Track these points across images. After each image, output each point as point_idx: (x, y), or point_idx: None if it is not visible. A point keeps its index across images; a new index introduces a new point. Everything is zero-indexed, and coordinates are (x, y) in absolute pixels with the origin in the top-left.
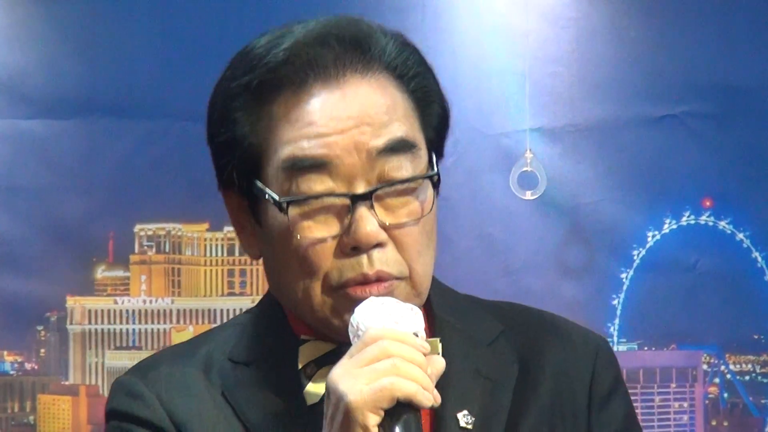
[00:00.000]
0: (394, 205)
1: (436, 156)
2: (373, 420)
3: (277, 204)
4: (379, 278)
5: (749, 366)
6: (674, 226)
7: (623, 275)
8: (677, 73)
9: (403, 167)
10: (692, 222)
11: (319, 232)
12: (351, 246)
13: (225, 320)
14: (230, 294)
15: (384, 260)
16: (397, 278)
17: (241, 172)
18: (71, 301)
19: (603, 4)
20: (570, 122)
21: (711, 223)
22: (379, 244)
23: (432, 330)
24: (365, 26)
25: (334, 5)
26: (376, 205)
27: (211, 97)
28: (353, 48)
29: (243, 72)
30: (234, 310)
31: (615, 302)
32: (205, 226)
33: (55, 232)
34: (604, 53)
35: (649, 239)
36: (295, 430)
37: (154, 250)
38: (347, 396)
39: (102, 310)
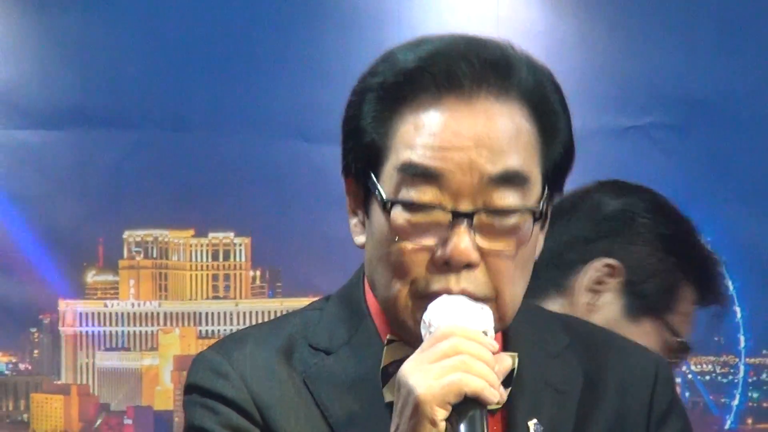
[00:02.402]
0: (493, 231)
1: (551, 192)
2: (441, 414)
3: (383, 202)
4: (465, 295)
5: (710, 366)
6: None
7: None
8: (642, 86)
9: (510, 197)
10: None
11: (416, 239)
12: (443, 260)
13: (210, 323)
14: (215, 297)
15: (471, 280)
16: (481, 299)
17: (360, 163)
18: (63, 305)
19: (570, 19)
20: None
21: None
22: (470, 265)
23: (505, 338)
24: (511, 52)
25: (315, 24)
26: (476, 227)
27: (353, 89)
28: (493, 69)
29: (382, 70)
30: (218, 313)
31: None
32: (191, 232)
33: (47, 237)
34: (572, 66)
35: None
36: (373, 427)
37: (142, 255)
38: (417, 389)
39: (92, 313)
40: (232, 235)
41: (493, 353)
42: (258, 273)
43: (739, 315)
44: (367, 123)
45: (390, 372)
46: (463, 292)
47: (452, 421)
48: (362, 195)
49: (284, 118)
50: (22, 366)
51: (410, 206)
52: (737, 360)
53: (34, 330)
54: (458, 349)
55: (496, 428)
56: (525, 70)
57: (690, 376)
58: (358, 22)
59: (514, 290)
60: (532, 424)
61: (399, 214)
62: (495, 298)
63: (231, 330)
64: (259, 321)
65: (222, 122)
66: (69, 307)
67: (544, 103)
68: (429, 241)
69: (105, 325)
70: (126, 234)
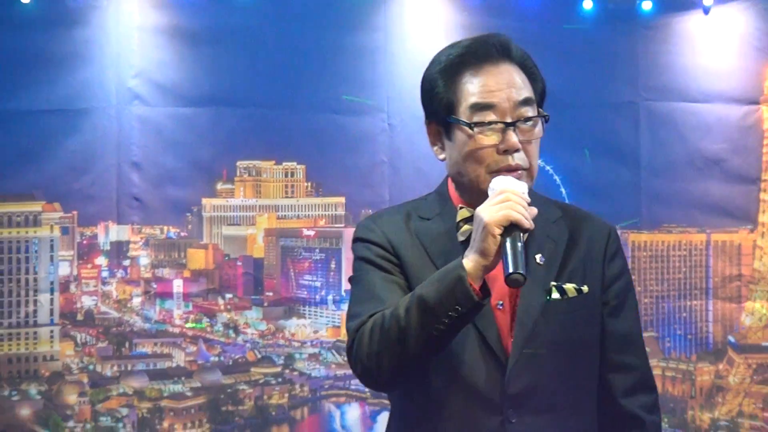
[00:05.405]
0: (525, 130)
1: (541, 106)
2: (497, 231)
3: (469, 125)
4: (517, 168)
5: None
6: None
7: None
8: None
9: (529, 111)
10: None
11: (487, 141)
12: (503, 150)
13: (284, 211)
14: (286, 197)
15: (520, 158)
16: (524, 169)
17: (442, 111)
18: (204, 201)
19: None
20: None
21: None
22: (517, 150)
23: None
24: (507, 39)
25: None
26: (518, 129)
27: (426, 73)
28: (503, 48)
29: (444, 59)
30: (288, 205)
31: None
32: (273, 162)
33: (196, 166)
34: None
35: None
36: (452, 254)
37: (246, 174)
38: (485, 218)
39: (220, 205)
40: (295, 163)
41: (528, 204)
42: (310, 184)
43: None
44: (441, 89)
45: (461, 225)
46: (517, 166)
47: (504, 236)
48: (442, 130)
49: (323, 99)
50: (182, 234)
51: (482, 125)
52: None
53: (188, 214)
54: (508, 197)
55: None
56: (516, 48)
57: None
58: (353, 52)
59: (536, 163)
60: (538, 257)
61: (477, 130)
62: (529, 168)
63: (296, 214)
64: (310, 211)
65: (292, 103)
66: (207, 202)
67: (527, 64)
68: (494, 141)
69: (227, 212)
70: (238, 163)
